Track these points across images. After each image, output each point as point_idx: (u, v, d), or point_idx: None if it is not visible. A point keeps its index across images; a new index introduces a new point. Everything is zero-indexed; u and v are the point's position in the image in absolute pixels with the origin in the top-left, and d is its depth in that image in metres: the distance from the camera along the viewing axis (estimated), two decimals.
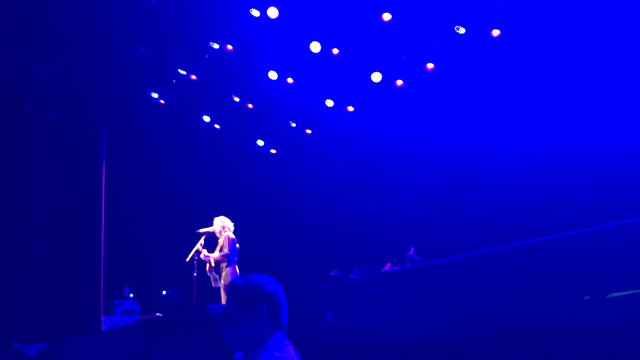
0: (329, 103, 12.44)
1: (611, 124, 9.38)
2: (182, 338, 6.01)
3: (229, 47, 11.44)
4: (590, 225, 3.25)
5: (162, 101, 12.52)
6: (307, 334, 4.53)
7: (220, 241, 8.22)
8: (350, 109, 12.64)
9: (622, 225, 3.10)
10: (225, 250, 8.05)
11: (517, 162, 10.72)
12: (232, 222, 8.40)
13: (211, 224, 8.36)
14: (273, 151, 14.33)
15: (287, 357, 2.22)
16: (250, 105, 12.94)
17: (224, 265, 8.11)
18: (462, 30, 10.28)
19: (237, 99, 12.80)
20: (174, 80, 12.20)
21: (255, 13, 10.47)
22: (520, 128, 10.77)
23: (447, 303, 4.04)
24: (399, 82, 11.66)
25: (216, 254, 8.13)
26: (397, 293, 4.50)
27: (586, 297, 3.11)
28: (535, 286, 3.42)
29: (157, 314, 10.01)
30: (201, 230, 8.31)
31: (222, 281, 8.07)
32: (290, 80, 12.00)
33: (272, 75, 11.82)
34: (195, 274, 8.25)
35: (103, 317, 11.06)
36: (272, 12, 10.32)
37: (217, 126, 13.41)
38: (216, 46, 11.45)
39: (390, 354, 4.55)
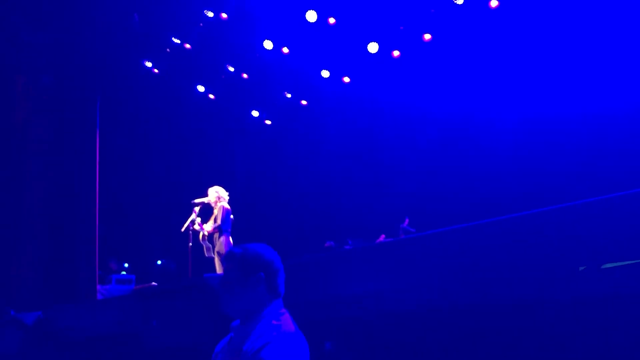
0: (325, 74, 12.33)
1: (612, 94, 9.35)
2: (178, 306, 6.05)
3: (224, 15, 11.28)
4: (589, 197, 3.27)
5: (155, 70, 12.38)
6: (302, 304, 4.57)
7: (215, 211, 8.23)
8: (346, 79, 12.55)
9: (617, 197, 3.12)
10: (218, 222, 8.07)
11: (511, 133, 10.71)
12: (227, 192, 8.40)
13: (206, 194, 8.36)
14: (268, 122, 14.25)
15: (284, 325, 2.23)
16: (245, 75, 12.82)
17: (217, 235, 8.14)
18: (460, 1, 10.17)
19: (231, 69, 12.67)
20: (168, 49, 12.05)
21: None
22: (518, 99, 10.73)
23: (441, 274, 4.08)
24: (396, 53, 11.56)
25: (209, 226, 8.14)
26: (390, 264, 4.54)
27: (581, 268, 3.14)
28: (531, 257, 3.45)
29: (153, 283, 10.07)
30: (196, 201, 8.31)
31: (215, 250, 8.11)
32: (285, 50, 11.87)
33: (268, 44, 11.68)
34: (190, 243, 8.28)
35: (98, 287, 11.12)
36: None
37: (211, 96, 13.30)
38: (210, 14, 11.28)
39: (383, 323, 4.60)
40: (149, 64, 12.26)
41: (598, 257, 3.10)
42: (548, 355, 3.48)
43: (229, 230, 8.17)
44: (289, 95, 13.43)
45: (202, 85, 13.04)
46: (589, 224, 3.19)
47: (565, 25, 9.69)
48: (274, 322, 2.23)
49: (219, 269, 7.97)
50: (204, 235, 8.14)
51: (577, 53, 9.75)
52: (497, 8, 10.10)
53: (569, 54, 9.86)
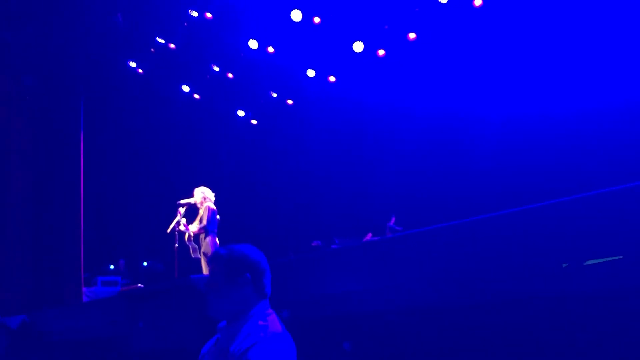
0: (310, 73, 12.33)
1: (595, 93, 9.46)
2: (164, 308, 6.03)
3: (208, 15, 11.23)
4: (572, 194, 3.30)
5: (140, 70, 12.30)
6: (290, 303, 4.57)
7: (201, 212, 8.19)
8: (332, 79, 12.55)
9: (599, 194, 3.15)
10: (204, 222, 8.03)
11: (496, 131, 10.80)
12: (213, 192, 8.36)
13: (192, 195, 8.32)
14: (254, 122, 14.23)
15: (271, 326, 2.23)
16: (230, 75, 12.78)
17: (202, 235, 8.10)
18: (444, 0, 10.22)
19: (216, 69, 12.62)
20: (152, 49, 11.97)
21: None
22: (502, 97, 10.82)
23: (428, 272, 4.10)
24: (381, 52, 11.59)
25: (195, 226, 8.10)
26: (378, 262, 4.55)
27: (564, 265, 3.17)
28: (515, 254, 3.48)
29: (139, 284, 10.01)
30: (182, 202, 8.27)
31: (202, 251, 8.07)
32: (271, 49, 11.85)
33: (253, 44, 11.66)
34: (176, 245, 8.23)
35: (84, 289, 11.03)
36: None
37: (196, 96, 13.24)
38: (195, 14, 11.23)
39: (370, 322, 4.62)
40: (133, 64, 12.18)
41: (581, 253, 3.13)
42: (533, 350, 3.52)
43: (215, 230, 8.13)
44: (274, 95, 13.41)
45: (187, 85, 12.98)
46: (571, 221, 3.23)
47: (549, 24, 9.77)
48: (261, 322, 2.23)
49: (205, 270, 7.94)
50: (189, 236, 8.10)
51: (561, 52, 9.85)
52: (481, 7, 10.16)
53: (553, 53, 9.96)
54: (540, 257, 3.33)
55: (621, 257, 2.93)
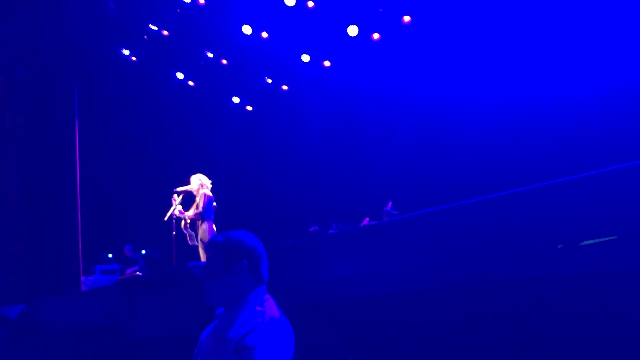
0: (305, 58, 12.27)
1: (587, 77, 9.46)
2: (163, 295, 6.05)
3: (201, 0, 11.15)
4: (566, 176, 3.32)
5: (133, 58, 12.23)
6: (287, 288, 4.59)
7: (197, 199, 8.20)
8: (327, 63, 12.50)
9: (593, 175, 3.17)
10: (200, 209, 8.04)
11: (492, 115, 10.79)
12: (209, 179, 8.37)
13: (188, 182, 8.32)
14: (249, 108, 14.18)
15: (269, 311, 2.25)
16: (224, 61, 12.71)
17: (199, 222, 8.12)
18: None
19: (210, 55, 12.55)
20: (145, 36, 11.89)
21: None
22: (499, 82, 10.79)
23: (424, 255, 4.11)
24: (376, 36, 11.53)
25: (191, 212, 8.12)
26: (375, 247, 4.57)
27: (560, 246, 3.19)
28: (510, 236, 3.50)
29: (138, 273, 10.04)
30: (179, 189, 8.27)
31: (199, 238, 8.09)
32: (265, 34, 11.78)
33: (246, 29, 11.58)
34: (174, 232, 8.25)
35: (82, 278, 11.05)
36: None
37: (191, 83, 13.18)
38: (188, 0, 11.15)
39: (368, 306, 4.64)
40: (126, 52, 12.10)
41: (576, 234, 3.15)
42: (531, 332, 3.55)
43: (212, 217, 8.14)
44: (269, 81, 13.36)
45: (181, 72, 12.91)
46: (566, 203, 3.24)
47: (545, 9, 9.73)
48: (258, 308, 2.24)
49: (202, 257, 7.96)
50: (186, 223, 8.11)
51: (555, 36, 9.81)
52: None
53: (548, 38, 9.92)
54: (536, 238, 3.35)
55: (615, 237, 2.95)
